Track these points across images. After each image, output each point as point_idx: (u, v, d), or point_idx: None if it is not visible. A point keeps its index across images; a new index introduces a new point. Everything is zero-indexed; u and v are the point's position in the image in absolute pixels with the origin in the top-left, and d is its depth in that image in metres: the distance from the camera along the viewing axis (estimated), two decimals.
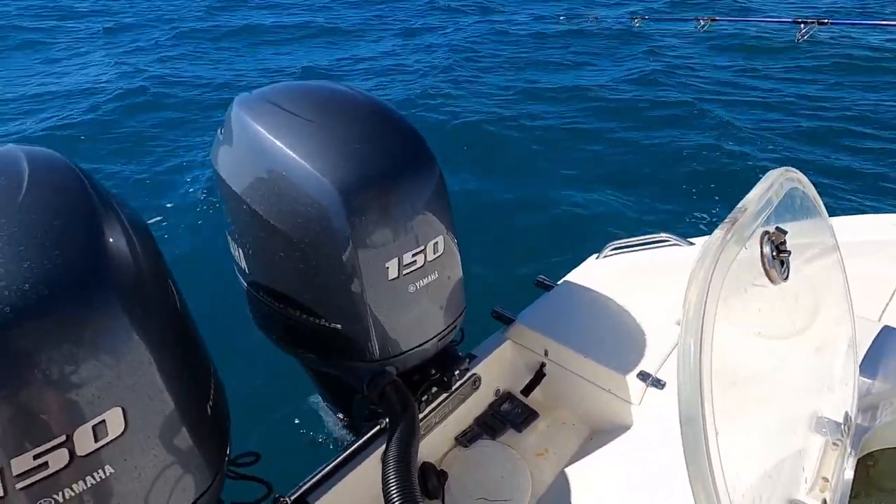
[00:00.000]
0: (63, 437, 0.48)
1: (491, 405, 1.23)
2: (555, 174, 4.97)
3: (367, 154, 0.82)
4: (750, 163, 4.90)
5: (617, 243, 1.54)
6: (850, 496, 0.74)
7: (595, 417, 1.18)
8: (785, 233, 0.60)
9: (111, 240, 0.55)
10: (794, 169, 0.69)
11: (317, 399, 1.20)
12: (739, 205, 0.59)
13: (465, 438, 1.14)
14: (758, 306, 0.59)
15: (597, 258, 1.56)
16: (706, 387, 0.48)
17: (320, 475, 0.86)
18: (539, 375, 1.25)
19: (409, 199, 0.84)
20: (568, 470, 1.08)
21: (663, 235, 1.53)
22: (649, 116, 5.94)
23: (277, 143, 0.82)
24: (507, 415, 1.21)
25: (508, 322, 1.30)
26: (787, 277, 0.60)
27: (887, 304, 1.33)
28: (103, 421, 0.51)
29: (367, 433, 0.89)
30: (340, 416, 1.15)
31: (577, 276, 1.48)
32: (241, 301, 1.04)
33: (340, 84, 0.97)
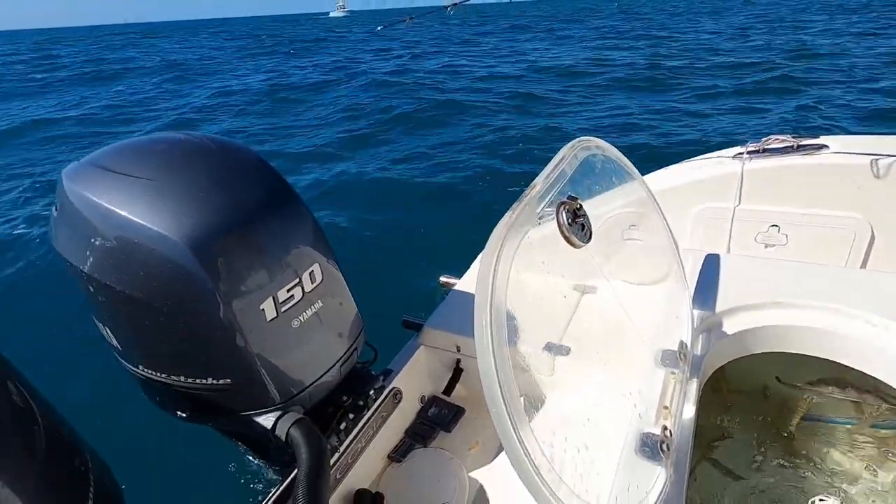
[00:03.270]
0: None
1: (418, 413, 1.24)
2: (432, 188, 5.39)
3: (216, 201, 0.79)
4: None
5: None
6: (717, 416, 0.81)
7: None
8: (576, 198, 0.65)
9: None
10: (588, 137, 0.75)
11: (238, 455, 1.14)
12: (531, 184, 0.63)
13: (398, 453, 1.14)
14: (560, 272, 0.64)
15: None
16: (502, 364, 0.52)
17: None
18: (457, 372, 1.27)
19: (270, 236, 0.82)
20: (501, 456, 1.11)
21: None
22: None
23: (116, 210, 0.77)
24: (435, 418, 1.22)
25: (418, 328, 1.32)
26: (589, 238, 0.66)
27: (730, 233, 1.50)
28: None
29: (285, 481, 0.86)
30: (263, 466, 1.10)
31: (475, 269, 1.52)
32: (123, 377, 0.97)
33: (178, 132, 0.92)
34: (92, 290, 0.82)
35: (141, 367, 0.88)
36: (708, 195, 1.69)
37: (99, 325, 0.91)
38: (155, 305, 0.77)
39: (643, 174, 1.89)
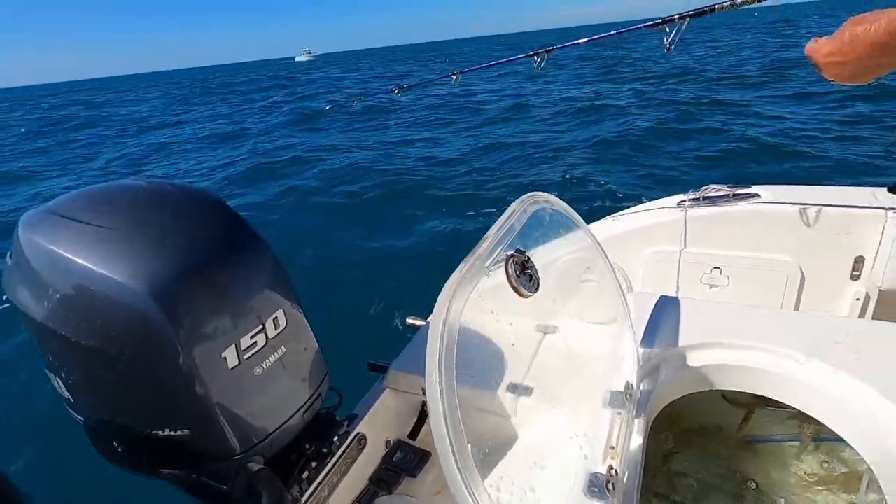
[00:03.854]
0: None
1: (383, 459, 1.22)
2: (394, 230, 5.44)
3: (179, 247, 0.80)
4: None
5: None
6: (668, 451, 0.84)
7: None
8: (523, 252, 0.70)
9: None
10: (538, 193, 0.81)
11: None
12: (482, 238, 0.68)
13: (362, 502, 1.12)
14: (509, 321, 0.68)
15: None
16: (451, 411, 0.54)
17: None
18: (423, 415, 1.27)
19: (234, 282, 0.83)
20: None
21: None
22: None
23: (74, 258, 0.76)
24: (400, 464, 1.21)
25: (384, 371, 1.31)
26: (537, 288, 0.70)
27: (678, 275, 1.59)
28: None
29: None
30: None
31: None
32: (74, 429, 0.93)
33: (139, 179, 0.93)
34: (46, 340, 0.80)
35: (93, 419, 0.85)
36: (656, 240, 1.81)
37: (51, 376, 0.88)
38: (112, 354, 0.75)
39: (598, 218, 1.99)
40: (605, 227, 1.89)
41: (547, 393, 0.71)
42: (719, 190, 1.82)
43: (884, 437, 0.82)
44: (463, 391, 0.58)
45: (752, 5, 1.28)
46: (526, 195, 0.80)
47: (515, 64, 1.94)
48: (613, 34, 1.72)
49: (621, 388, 0.84)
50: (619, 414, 0.83)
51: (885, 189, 1.65)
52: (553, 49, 1.74)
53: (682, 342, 1.04)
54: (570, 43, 1.80)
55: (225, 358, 0.79)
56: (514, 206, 0.76)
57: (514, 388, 0.68)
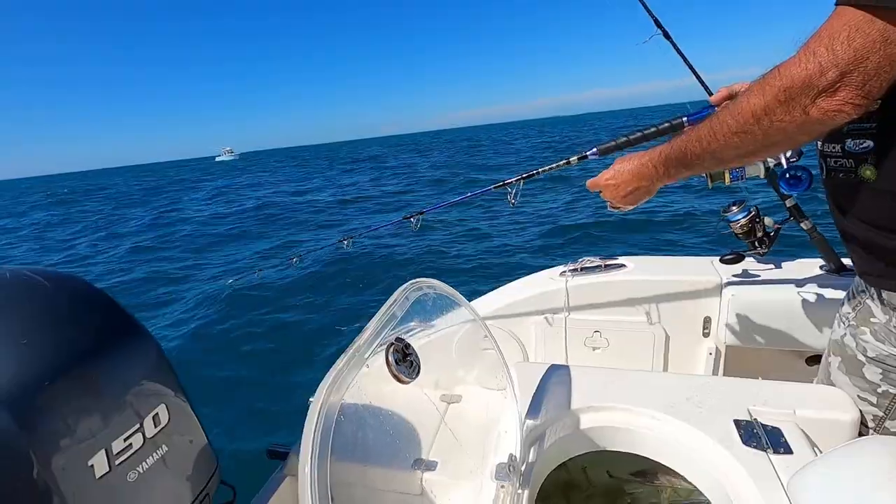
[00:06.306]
0: None
1: None
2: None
3: (41, 345, 0.72)
4: None
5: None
6: None
7: None
8: (402, 340, 0.73)
9: None
10: (421, 279, 0.84)
11: None
12: (363, 329, 0.70)
13: None
14: (390, 408, 0.70)
15: None
16: None
17: None
18: None
19: (107, 376, 0.76)
20: None
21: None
22: None
23: None
24: None
25: (284, 457, 1.23)
26: (417, 373, 0.73)
27: (565, 339, 1.72)
28: None
29: None
30: None
31: None
32: None
33: (0, 269, 0.83)
34: None
35: None
36: (544, 307, 1.98)
37: None
38: None
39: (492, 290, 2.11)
40: (496, 299, 2.03)
41: (432, 470, 0.71)
42: (593, 262, 2.06)
43: (713, 470, 0.97)
44: (339, 477, 0.57)
45: (562, 167, 1.57)
46: (408, 282, 0.82)
47: (396, 225, 2.17)
48: (469, 196, 1.99)
49: (506, 461, 0.86)
50: (503, 487, 0.84)
51: (717, 258, 1.97)
52: (425, 212, 1.99)
53: (560, 409, 1.10)
54: (439, 205, 2.10)
55: (92, 466, 0.71)
56: (395, 294, 0.78)
57: (397, 469, 0.68)
